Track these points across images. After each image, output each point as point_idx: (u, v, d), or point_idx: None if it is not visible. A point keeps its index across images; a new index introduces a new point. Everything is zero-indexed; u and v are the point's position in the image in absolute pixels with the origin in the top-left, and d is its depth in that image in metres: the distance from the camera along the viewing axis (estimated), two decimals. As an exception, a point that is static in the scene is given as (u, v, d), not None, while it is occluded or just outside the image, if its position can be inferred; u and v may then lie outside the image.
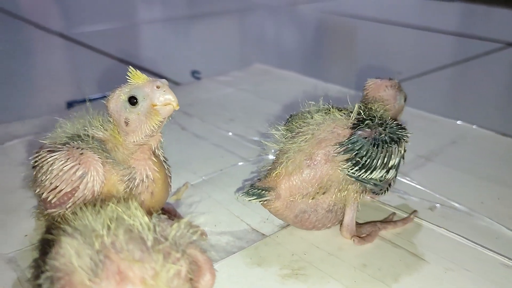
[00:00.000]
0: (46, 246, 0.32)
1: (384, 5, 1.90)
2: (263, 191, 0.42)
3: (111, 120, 0.41)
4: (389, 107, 0.50)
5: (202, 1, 1.92)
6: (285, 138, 0.45)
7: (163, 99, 0.38)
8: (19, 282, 0.40)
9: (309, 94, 0.85)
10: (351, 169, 0.42)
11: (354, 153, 0.42)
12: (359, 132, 0.43)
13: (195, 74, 0.95)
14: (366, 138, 0.43)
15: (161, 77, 0.97)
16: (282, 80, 0.93)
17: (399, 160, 0.45)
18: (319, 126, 0.44)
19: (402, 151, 0.46)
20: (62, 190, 0.39)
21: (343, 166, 0.42)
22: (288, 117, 0.49)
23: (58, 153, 0.40)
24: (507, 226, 0.48)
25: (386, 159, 0.44)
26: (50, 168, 0.39)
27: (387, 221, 0.49)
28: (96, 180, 0.38)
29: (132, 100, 0.38)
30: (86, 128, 0.42)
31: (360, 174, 0.43)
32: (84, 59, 1.14)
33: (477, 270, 0.42)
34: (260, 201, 0.42)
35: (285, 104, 0.80)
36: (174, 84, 0.93)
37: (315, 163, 0.42)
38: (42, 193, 0.40)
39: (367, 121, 0.44)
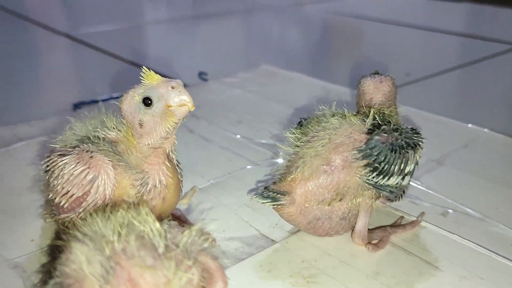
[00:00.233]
0: (55, 251, 0.31)
1: (390, 5, 1.89)
2: (278, 195, 0.41)
3: (124, 122, 0.40)
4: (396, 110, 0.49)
5: (207, 1, 1.91)
6: (300, 142, 0.44)
7: (178, 99, 0.37)
8: (25, 288, 0.40)
9: (317, 96, 0.84)
10: (369, 175, 0.41)
11: (373, 159, 0.41)
12: (377, 137, 0.42)
13: (202, 76, 0.94)
14: (384, 143, 0.42)
15: (168, 78, 0.96)
16: (290, 81, 0.92)
17: (414, 166, 0.45)
18: (336, 130, 0.43)
19: (418, 157, 0.45)
20: (73, 194, 0.38)
21: (362, 172, 0.41)
22: (300, 120, 0.48)
23: (68, 157, 0.39)
24: (522, 233, 0.48)
25: (402, 165, 0.43)
26: (61, 173, 0.38)
27: (396, 225, 0.48)
28: (107, 184, 0.37)
29: (147, 101, 0.37)
30: (97, 129, 0.41)
31: (378, 181, 0.42)
32: (90, 60, 1.14)
33: (492, 279, 0.42)
34: (273, 205, 0.42)
35: (293, 106, 0.79)
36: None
37: (333, 168, 0.42)
38: (55, 198, 0.39)
39: (383, 126, 0.43)
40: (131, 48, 1.27)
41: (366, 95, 0.48)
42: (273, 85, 0.90)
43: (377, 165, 0.42)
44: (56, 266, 0.29)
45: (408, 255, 0.44)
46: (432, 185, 0.56)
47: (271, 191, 0.42)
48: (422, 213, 0.50)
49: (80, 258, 0.27)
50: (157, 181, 0.39)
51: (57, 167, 0.39)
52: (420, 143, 0.45)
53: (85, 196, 0.38)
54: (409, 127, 0.46)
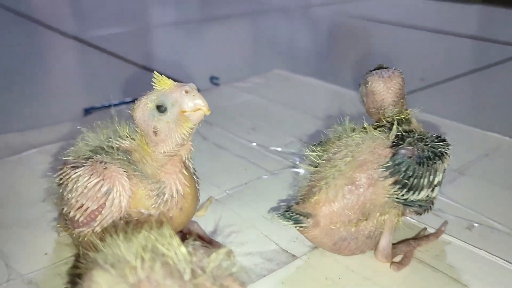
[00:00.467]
0: (75, 278, 0.30)
1: (400, 7, 1.87)
2: (301, 217, 0.39)
3: (138, 130, 0.39)
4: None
5: (214, 3, 1.90)
6: (322, 160, 0.42)
7: (193, 104, 0.36)
8: (40, 306, 0.38)
9: (331, 102, 0.83)
10: (399, 193, 0.40)
11: (401, 176, 0.40)
12: (402, 151, 0.40)
13: (213, 80, 0.92)
14: (410, 157, 0.40)
15: (179, 82, 0.95)
16: (303, 86, 0.91)
17: (442, 176, 0.43)
18: (359, 146, 0.41)
19: (446, 166, 0.43)
20: (88, 208, 0.37)
21: (390, 191, 0.40)
22: (321, 140, 0.45)
23: (81, 169, 0.37)
24: (552, 249, 0.46)
25: (431, 176, 0.41)
26: (74, 186, 0.37)
27: (419, 237, 0.46)
28: (122, 196, 0.36)
29: (161, 108, 0.36)
30: (110, 139, 0.39)
31: (408, 197, 0.40)
32: (100, 63, 1.13)
33: (524, 298, 0.40)
34: (296, 227, 0.40)
35: (308, 112, 0.78)
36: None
37: (358, 188, 0.40)
38: (69, 212, 0.38)
39: (408, 139, 0.41)
40: (141, 51, 1.26)
41: (377, 96, 0.45)
42: (286, 90, 0.89)
43: (406, 181, 0.40)
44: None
45: (434, 272, 0.43)
46: (454, 196, 0.54)
47: (294, 212, 0.40)
48: (445, 222, 0.48)
49: (103, 287, 0.25)
50: (174, 191, 0.38)
51: (71, 180, 0.38)
52: (446, 151, 0.43)
53: (100, 209, 0.37)
54: (434, 134, 0.44)
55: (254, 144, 0.66)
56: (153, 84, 0.37)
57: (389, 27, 1.53)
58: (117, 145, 0.38)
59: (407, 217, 0.50)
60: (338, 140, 0.43)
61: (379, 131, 0.42)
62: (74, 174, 0.37)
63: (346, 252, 0.42)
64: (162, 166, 0.38)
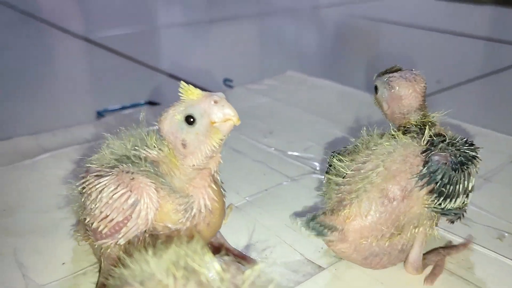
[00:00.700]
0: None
1: (409, 8, 1.85)
2: (325, 229, 0.37)
3: (165, 143, 0.37)
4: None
5: (222, 4, 1.88)
6: (351, 171, 0.39)
7: (222, 114, 0.34)
8: (59, 319, 0.37)
9: (348, 104, 0.81)
10: (436, 202, 0.38)
11: (437, 184, 0.38)
12: (436, 158, 0.38)
13: (226, 82, 0.91)
14: (445, 163, 0.38)
15: (192, 84, 0.94)
16: (318, 89, 0.89)
17: (474, 181, 0.41)
18: (390, 155, 0.39)
19: (476, 170, 0.41)
20: (113, 219, 0.35)
21: (428, 201, 0.38)
22: (346, 148, 0.43)
23: (106, 178, 0.36)
24: None
25: (466, 182, 0.39)
26: (99, 196, 0.35)
27: (449, 246, 0.45)
28: (150, 208, 0.35)
29: (189, 119, 0.34)
30: (137, 147, 0.37)
31: (445, 206, 0.38)
32: (110, 64, 1.11)
33: None
34: (319, 238, 0.38)
35: (324, 115, 0.76)
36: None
37: (392, 201, 0.37)
38: (92, 223, 0.36)
39: (441, 144, 0.39)
40: (151, 52, 1.25)
41: (405, 101, 0.42)
42: (302, 92, 0.87)
43: (443, 189, 0.38)
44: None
45: (467, 285, 0.41)
46: (482, 204, 0.52)
47: (319, 223, 0.37)
48: (470, 236, 0.46)
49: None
50: (202, 206, 0.36)
51: (95, 190, 0.36)
52: (477, 154, 0.41)
53: (126, 221, 0.35)
54: (462, 137, 0.42)
55: (273, 149, 0.65)
56: (179, 94, 0.36)
57: (399, 28, 1.51)
58: (144, 155, 0.37)
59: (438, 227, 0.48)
60: (366, 148, 0.41)
61: (409, 136, 0.41)
62: (98, 183, 0.36)
63: (377, 266, 0.40)
64: (190, 180, 0.36)
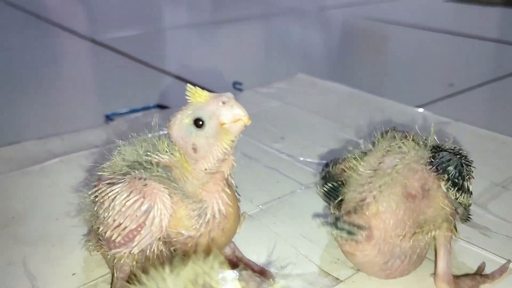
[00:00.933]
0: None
1: (418, 9, 1.83)
2: (355, 228, 0.36)
3: (176, 148, 0.36)
4: None
5: (228, 5, 1.87)
6: (368, 170, 0.40)
7: (232, 115, 0.33)
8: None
9: (360, 109, 0.80)
10: (452, 190, 0.38)
11: (450, 173, 0.38)
12: (445, 153, 0.39)
13: (236, 85, 0.90)
14: (456, 155, 0.40)
15: (201, 87, 0.93)
16: (329, 92, 0.88)
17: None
18: (408, 155, 0.39)
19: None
20: (126, 227, 0.34)
21: (446, 186, 0.38)
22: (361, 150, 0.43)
23: (119, 185, 0.35)
24: None
25: (470, 183, 0.40)
26: (111, 204, 0.34)
27: (484, 274, 0.42)
28: (164, 214, 0.34)
29: (198, 123, 0.33)
30: (149, 153, 0.36)
31: (458, 197, 0.39)
32: (118, 66, 1.10)
33: None
34: (348, 240, 0.37)
35: (337, 119, 0.75)
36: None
37: (413, 196, 0.38)
38: (105, 232, 0.35)
39: (446, 147, 0.41)
40: (158, 54, 1.24)
41: None
42: (313, 96, 0.86)
43: (455, 180, 0.38)
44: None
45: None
46: (501, 213, 0.51)
47: (346, 222, 0.37)
48: (508, 261, 0.44)
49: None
50: (216, 211, 0.35)
51: (107, 198, 0.35)
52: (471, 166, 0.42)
53: (139, 229, 0.34)
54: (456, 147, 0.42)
55: (284, 155, 0.63)
56: (187, 97, 0.35)
57: (409, 29, 1.49)
58: (156, 161, 0.36)
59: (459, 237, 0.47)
60: (381, 148, 0.41)
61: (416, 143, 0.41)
62: (110, 191, 0.35)
63: (395, 272, 0.39)
64: (203, 185, 0.35)
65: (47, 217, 0.50)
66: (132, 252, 0.35)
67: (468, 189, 0.40)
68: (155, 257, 0.35)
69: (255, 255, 0.43)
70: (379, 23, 1.57)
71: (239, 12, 1.74)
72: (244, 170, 0.60)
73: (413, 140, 0.42)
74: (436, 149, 0.41)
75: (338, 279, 0.41)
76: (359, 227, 0.37)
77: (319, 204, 0.52)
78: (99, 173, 0.37)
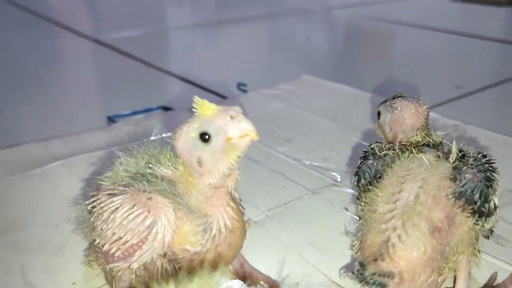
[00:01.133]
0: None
1: (424, 9, 1.82)
2: (386, 278, 0.34)
3: (180, 161, 0.35)
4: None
5: (232, 5, 1.86)
6: (382, 201, 0.37)
7: (239, 130, 0.32)
8: None
9: (366, 111, 0.78)
10: (480, 224, 0.36)
11: (477, 204, 0.36)
12: (468, 175, 0.36)
13: (240, 87, 0.88)
14: (479, 181, 0.36)
15: (204, 88, 0.91)
16: (335, 93, 0.86)
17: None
18: (426, 181, 0.36)
19: (498, 183, 0.39)
20: (127, 241, 0.33)
21: (473, 222, 0.35)
22: (370, 173, 0.40)
23: (121, 197, 0.33)
24: None
25: (495, 197, 0.37)
26: (112, 216, 0.33)
27: (495, 285, 0.41)
28: (167, 230, 0.32)
29: (204, 137, 0.32)
30: (151, 165, 0.35)
31: (487, 225, 0.36)
32: (121, 67, 1.09)
33: None
34: None
35: (344, 122, 0.73)
36: (220, 97, 0.87)
37: (441, 230, 0.35)
38: (103, 245, 0.34)
39: (470, 160, 0.38)
40: (162, 55, 1.23)
41: (407, 121, 0.42)
42: (319, 98, 0.84)
43: (482, 209, 0.36)
44: None
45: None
46: (513, 220, 0.50)
47: (376, 273, 0.34)
48: None
49: None
50: (222, 226, 0.34)
51: (107, 209, 0.34)
52: (494, 166, 0.39)
53: (141, 244, 0.33)
54: (474, 150, 0.40)
55: (291, 158, 0.62)
56: (193, 109, 0.33)
57: (415, 30, 1.47)
58: (160, 174, 0.34)
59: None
60: (394, 173, 0.38)
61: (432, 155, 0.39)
62: (111, 202, 0.33)
63: None
64: (208, 199, 0.34)
65: (47, 223, 0.49)
66: (131, 266, 0.33)
67: (495, 207, 0.37)
68: (159, 274, 0.33)
69: (262, 265, 0.42)
70: (385, 23, 1.56)
71: (244, 12, 1.73)
72: (249, 174, 0.59)
73: (417, 148, 0.40)
74: (459, 158, 0.38)
75: (347, 290, 0.40)
76: (389, 275, 0.34)
77: (326, 210, 0.51)
78: (98, 183, 0.36)
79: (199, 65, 1.13)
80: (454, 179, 0.36)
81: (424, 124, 0.42)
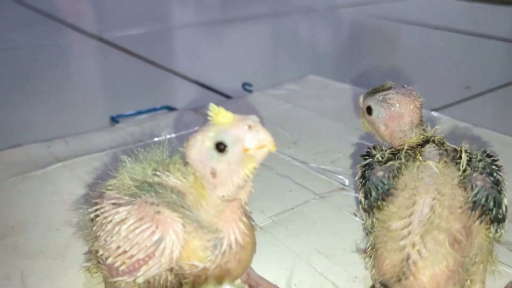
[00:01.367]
0: None
1: (430, 8, 1.80)
2: None
3: (192, 171, 0.32)
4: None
5: (236, 4, 1.84)
6: (397, 217, 0.35)
7: (257, 141, 0.30)
8: None
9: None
10: (499, 231, 0.35)
11: (493, 213, 0.34)
12: (479, 183, 0.35)
13: (245, 87, 0.87)
14: (491, 187, 0.35)
15: (208, 88, 0.90)
16: (342, 94, 0.85)
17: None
18: (439, 191, 0.35)
19: (505, 182, 0.38)
20: (133, 256, 0.31)
21: (491, 231, 0.34)
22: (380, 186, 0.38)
23: (127, 208, 0.32)
24: None
25: (505, 199, 0.36)
26: (117, 228, 0.31)
27: None
28: (175, 246, 0.31)
29: (220, 147, 0.30)
30: (158, 173, 0.33)
31: (503, 231, 0.35)
32: (125, 66, 1.08)
33: None
34: None
35: (351, 123, 0.71)
36: (225, 97, 0.85)
37: (459, 242, 0.33)
38: (107, 257, 0.32)
39: (480, 165, 0.36)
40: (166, 53, 1.21)
41: (406, 118, 0.40)
42: (325, 98, 0.83)
43: (498, 216, 0.34)
44: None
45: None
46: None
47: None
48: None
49: None
50: (233, 241, 0.32)
51: (111, 220, 0.32)
52: (499, 166, 0.38)
53: (147, 259, 0.31)
54: (479, 149, 0.38)
55: (297, 161, 0.61)
56: (208, 117, 0.31)
57: (422, 29, 1.45)
58: (169, 184, 0.32)
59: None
60: (398, 178, 0.36)
61: (442, 165, 0.36)
62: (117, 213, 0.32)
63: None
64: (219, 213, 0.32)
65: (48, 227, 0.47)
66: (136, 281, 0.32)
67: (506, 209, 0.36)
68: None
69: (269, 274, 0.41)
70: (391, 22, 1.54)
71: (249, 11, 1.71)
72: (254, 177, 0.57)
73: (420, 151, 0.38)
74: (468, 162, 0.36)
75: (356, 300, 0.39)
76: None
77: (334, 215, 0.49)
78: (102, 191, 0.34)
79: (204, 64, 1.12)
80: (464, 186, 0.35)
81: (421, 118, 0.40)
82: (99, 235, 0.33)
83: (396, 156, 0.38)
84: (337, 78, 0.92)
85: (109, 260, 0.32)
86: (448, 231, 0.33)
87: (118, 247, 0.31)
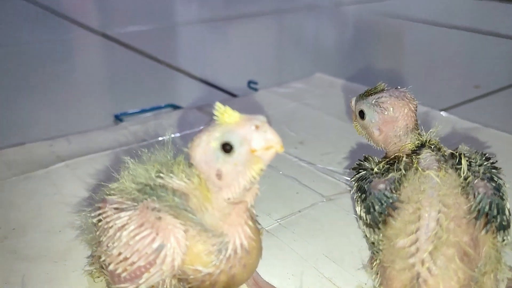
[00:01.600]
0: None
1: (437, 6, 1.78)
2: None
3: (196, 172, 0.31)
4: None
5: (243, 1, 1.83)
6: (409, 234, 0.33)
7: (265, 141, 0.29)
8: None
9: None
10: (506, 239, 0.34)
11: (498, 220, 0.33)
12: (481, 190, 0.34)
13: (251, 85, 0.86)
14: (494, 194, 0.34)
15: (213, 86, 0.89)
16: (349, 93, 0.83)
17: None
18: (443, 203, 0.33)
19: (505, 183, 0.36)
20: (134, 263, 0.30)
21: (498, 240, 0.33)
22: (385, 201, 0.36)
23: (128, 214, 0.31)
24: None
25: (508, 204, 0.35)
26: (118, 234, 0.31)
27: None
28: (176, 253, 0.30)
29: (226, 147, 0.29)
30: (161, 174, 0.32)
31: (510, 237, 0.34)
32: (129, 63, 1.07)
33: None
34: None
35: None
36: (230, 95, 0.84)
37: (468, 254, 0.32)
38: (109, 264, 0.31)
39: (481, 170, 0.35)
40: (171, 50, 1.20)
41: (401, 122, 0.38)
42: (333, 97, 0.82)
43: (503, 223, 0.34)
44: None
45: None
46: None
47: None
48: None
49: None
50: (238, 246, 0.31)
51: (113, 225, 0.31)
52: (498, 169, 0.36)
53: (149, 267, 0.30)
54: (476, 152, 0.37)
55: (304, 162, 0.59)
56: (214, 117, 0.30)
57: (429, 27, 1.44)
58: (172, 187, 0.31)
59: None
60: (399, 190, 0.35)
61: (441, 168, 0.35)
62: (118, 218, 0.31)
63: None
64: (225, 216, 0.31)
65: (49, 229, 0.46)
66: None
67: (510, 213, 0.35)
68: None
69: (276, 279, 0.40)
70: (399, 20, 1.52)
71: (254, 8, 1.70)
72: (260, 179, 0.56)
73: (433, 145, 0.37)
74: (468, 167, 0.35)
75: (366, 308, 0.38)
76: None
77: (342, 219, 0.48)
78: (105, 195, 0.33)
79: (209, 61, 1.11)
80: (466, 193, 0.34)
81: (416, 121, 0.39)
82: (102, 240, 0.32)
83: (395, 167, 0.36)
84: (344, 76, 0.91)
85: (111, 267, 0.31)
86: (457, 245, 0.32)
87: (120, 254, 0.30)
